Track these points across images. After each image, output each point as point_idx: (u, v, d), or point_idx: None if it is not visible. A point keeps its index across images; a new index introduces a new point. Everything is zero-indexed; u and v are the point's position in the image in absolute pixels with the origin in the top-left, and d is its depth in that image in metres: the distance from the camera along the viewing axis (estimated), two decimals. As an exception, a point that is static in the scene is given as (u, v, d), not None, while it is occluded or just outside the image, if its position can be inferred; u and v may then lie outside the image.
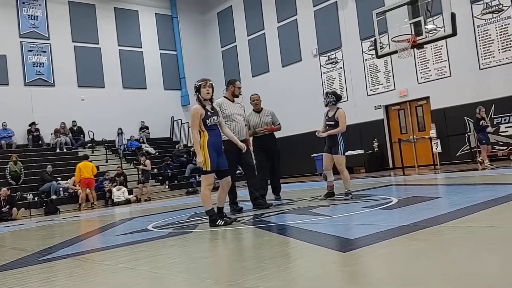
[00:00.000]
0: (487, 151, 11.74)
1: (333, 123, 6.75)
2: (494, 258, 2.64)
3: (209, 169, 5.16)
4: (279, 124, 7.88)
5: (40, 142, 17.82)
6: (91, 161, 15.21)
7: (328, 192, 7.00)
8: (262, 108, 7.87)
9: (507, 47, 13.45)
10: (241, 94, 6.95)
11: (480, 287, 2.18)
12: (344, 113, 6.80)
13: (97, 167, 16.63)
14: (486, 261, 2.58)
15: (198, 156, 5.15)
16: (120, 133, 18.76)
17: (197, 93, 5.31)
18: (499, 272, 2.44)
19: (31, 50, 18.32)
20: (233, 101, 6.75)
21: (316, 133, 6.88)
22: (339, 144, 6.74)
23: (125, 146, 18.70)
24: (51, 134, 17.90)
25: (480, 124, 11.64)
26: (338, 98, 6.90)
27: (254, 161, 7.51)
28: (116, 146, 18.58)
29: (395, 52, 11.82)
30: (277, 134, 8.12)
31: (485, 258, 2.64)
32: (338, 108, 6.84)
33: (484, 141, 11.56)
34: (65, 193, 14.67)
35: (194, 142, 5.24)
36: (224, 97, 6.80)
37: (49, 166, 15.34)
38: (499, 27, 13.58)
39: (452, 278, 2.36)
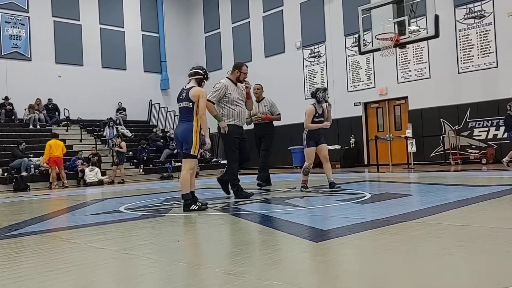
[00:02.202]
0: None
1: (323, 118, 6.97)
2: (461, 255, 2.69)
3: (196, 154, 5.29)
4: (278, 114, 8.23)
5: (13, 117, 17.37)
6: (62, 140, 14.94)
7: (305, 186, 7.06)
8: (263, 98, 8.24)
9: (486, 53, 13.69)
10: (246, 80, 6.76)
11: (446, 281, 2.22)
12: None
13: (71, 146, 16.36)
14: (453, 257, 2.63)
15: (207, 137, 5.48)
16: (111, 125, 18.00)
17: (203, 79, 5.48)
18: (465, 268, 2.49)
19: (8, 22, 17.76)
20: (236, 85, 6.66)
21: (325, 125, 6.95)
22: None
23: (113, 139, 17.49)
24: (25, 109, 17.46)
25: None
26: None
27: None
28: (106, 137, 17.63)
29: (378, 49, 11.92)
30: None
31: (453, 255, 2.69)
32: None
33: None
34: (36, 170, 14.36)
35: (204, 125, 5.40)
36: (228, 78, 6.65)
37: (23, 143, 14.95)
38: (480, 32, 13.80)
39: (420, 271, 2.40)
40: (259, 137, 8.18)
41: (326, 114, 6.97)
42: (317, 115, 6.89)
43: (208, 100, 6.25)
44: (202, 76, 5.46)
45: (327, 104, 6.98)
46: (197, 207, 5.25)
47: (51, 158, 13.80)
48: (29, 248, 3.70)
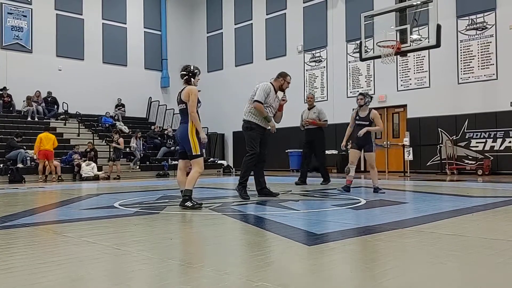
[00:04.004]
0: None
1: (367, 123, 7.23)
2: (453, 264, 2.70)
3: (199, 153, 5.39)
4: (325, 120, 9.45)
5: (11, 109, 17.32)
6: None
7: (346, 186, 7.34)
8: (314, 106, 9.54)
9: (486, 65, 13.74)
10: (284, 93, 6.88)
11: (438, 290, 2.22)
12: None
13: (68, 140, 16.32)
14: (445, 266, 2.63)
15: (201, 133, 5.43)
16: (139, 136, 16.97)
17: (189, 77, 5.50)
18: (456, 277, 2.49)
19: (11, 13, 17.74)
20: (276, 92, 6.75)
21: (358, 134, 7.23)
22: (372, 142, 7.26)
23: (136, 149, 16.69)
24: (24, 101, 17.42)
25: None
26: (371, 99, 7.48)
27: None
28: (133, 149, 16.58)
29: (379, 57, 11.93)
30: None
31: (445, 264, 2.69)
32: (370, 109, 7.32)
33: None
34: (32, 162, 14.31)
35: (195, 121, 5.40)
36: (272, 84, 6.77)
37: (23, 135, 14.86)
38: (481, 44, 13.85)
39: (412, 279, 2.41)
40: (307, 141, 9.41)
41: (372, 120, 7.42)
42: (358, 118, 7.36)
43: (256, 100, 6.48)
44: (188, 76, 5.52)
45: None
46: (192, 204, 5.30)
47: (40, 152, 13.61)
48: (22, 240, 3.69)
